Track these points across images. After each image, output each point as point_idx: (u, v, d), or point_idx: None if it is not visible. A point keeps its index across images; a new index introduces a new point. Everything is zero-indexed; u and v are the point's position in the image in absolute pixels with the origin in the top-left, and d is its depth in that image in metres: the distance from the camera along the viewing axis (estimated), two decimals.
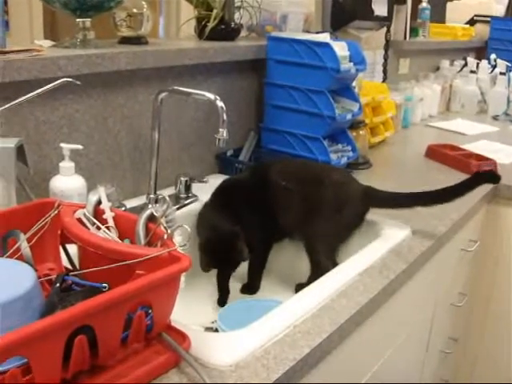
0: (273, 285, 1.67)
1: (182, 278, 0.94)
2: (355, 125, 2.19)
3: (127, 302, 0.84)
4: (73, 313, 0.76)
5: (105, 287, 0.88)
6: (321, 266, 1.49)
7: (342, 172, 1.74)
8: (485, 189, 2.02)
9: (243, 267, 1.58)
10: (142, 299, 0.87)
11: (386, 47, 2.98)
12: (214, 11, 1.92)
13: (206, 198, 1.67)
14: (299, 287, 1.65)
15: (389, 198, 1.63)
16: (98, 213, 1.08)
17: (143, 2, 1.69)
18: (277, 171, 1.61)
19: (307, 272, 1.58)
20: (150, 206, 1.58)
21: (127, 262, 0.92)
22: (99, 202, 1.08)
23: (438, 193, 1.62)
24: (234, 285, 1.62)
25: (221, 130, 1.39)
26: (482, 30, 4.16)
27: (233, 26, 2.02)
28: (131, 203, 1.62)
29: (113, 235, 1.04)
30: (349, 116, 1.99)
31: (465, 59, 3.82)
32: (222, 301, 1.58)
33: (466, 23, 4.17)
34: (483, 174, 1.78)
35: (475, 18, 4.22)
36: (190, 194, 1.72)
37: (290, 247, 1.67)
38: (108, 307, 0.80)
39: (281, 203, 1.58)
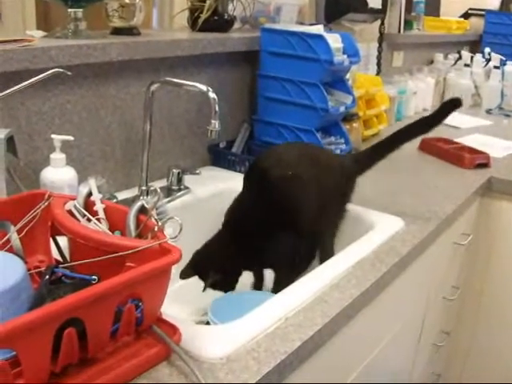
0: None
1: (173, 270, 0.93)
2: (348, 117, 2.18)
3: (117, 295, 0.83)
4: (62, 305, 0.75)
5: (94, 279, 0.88)
6: (328, 256, 1.47)
7: (328, 150, 1.70)
8: (478, 182, 2.02)
9: None
10: (132, 292, 0.86)
11: (380, 40, 2.98)
12: (208, 2, 1.91)
13: (199, 190, 1.67)
14: None
15: (374, 153, 1.63)
16: (88, 205, 1.07)
17: None
18: (273, 163, 1.47)
19: None
20: (141, 197, 1.57)
21: (117, 255, 0.91)
22: (90, 194, 1.08)
23: (417, 124, 1.66)
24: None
25: (213, 121, 1.39)
26: (477, 24, 4.16)
27: (226, 17, 2.01)
28: (123, 195, 1.61)
29: (103, 227, 1.04)
30: (342, 108, 1.99)
31: (459, 53, 3.81)
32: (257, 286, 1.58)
33: (461, 16, 4.17)
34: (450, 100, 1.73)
35: (470, 11, 4.22)
36: (182, 186, 1.71)
37: None
38: (98, 300, 0.79)
39: (291, 197, 1.45)
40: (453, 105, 1.62)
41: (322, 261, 1.52)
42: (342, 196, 1.55)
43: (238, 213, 1.49)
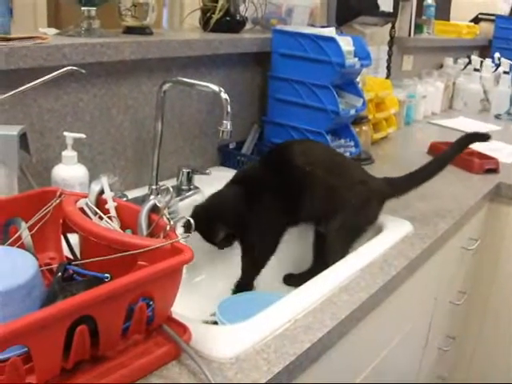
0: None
1: (184, 270, 0.93)
2: (358, 120, 2.19)
3: (129, 293, 0.83)
4: (74, 303, 0.75)
5: (107, 277, 0.88)
6: (334, 259, 1.47)
7: (360, 166, 1.71)
8: (487, 187, 2.02)
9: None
10: (144, 290, 0.87)
11: (391, 43, 2.97)
12: (220, 3, 1.91)
13: (208, 190, 1.66)
14: (289, 278, 1.65)
15: (408, 181, 1.63)
16: (100, 203, 1.07)
17: None
18: (300, 153, 1.53)
19: (293, 263, 1.64)
20: (151, 196, 1.58)
21: (129, 253, 0.91)
22: (101, 192, 1.08)
23: (442, 158, 1.71)
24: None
25: (224, 122, 1.39)
26: (487, 29, 4.15)
27: (238, 18, 2.01)
28: (133, 194, 1.61)
29: (115, 225, 1.04)
30: (352, 111, 1.99)
31: (469, 57, 3.81)
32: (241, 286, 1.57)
33: (471, 21, 4.16)
34: (474, 133, 1.84)
35: (480, 16, 4.21)
36: (191, 186, 1.71)
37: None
38: (110, 298, 0.79)
39: (305, 188, 1.50)
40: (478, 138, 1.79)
41: (321, 263, 1.53)
42: (361, 213, 1.54)
43: (250, 178, 1.55)
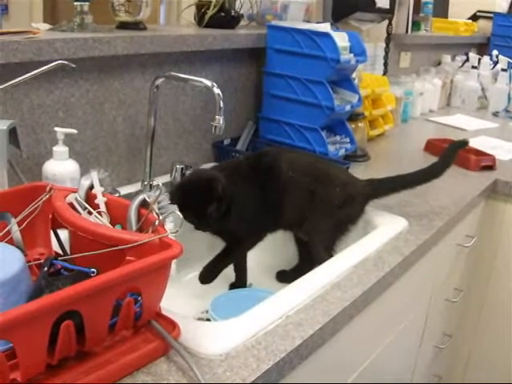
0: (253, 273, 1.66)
1: (173, 265, 0.92)
2: (354, 117, 2.18)
3: (116, 288, 0.82)
4: (60, 297, 0.74)
5: (93, 272, 0.87)
6: (320, 259, 1.47)
7: (345, 171, 1.71)
8: (483, 184, 2.01)
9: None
10: (132, 285, 0.86)
11: (388, 40, 2.96)
12: None
13: None
14: (281, 274, 1.64)
15: (390, 184, 1.62)
16: (90, 198, 1.06)
17: None
18: (286, 160, 1.54)
19: (287, 259, 1.63)
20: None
21: (117, 248, 0.90)
22: (92, 187, 1.07)
23: (430, 169, 1.68)
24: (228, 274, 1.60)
25: (217, 117, 1.38)
26: (485, 26, 4.14)
27: (233, 14, 2.00)
28: (126, 190, 1.60)
29: (104, 220, 1.03)
30: (348, 107, 1.98)
31: (466, 55, 3.80)
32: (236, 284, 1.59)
33: (469, 19, 4.15)
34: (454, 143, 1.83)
35: (478, 13, 4.20)
36: None
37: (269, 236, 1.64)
38: (96, 292, 0.78)
39: (287, 193, 1.51)
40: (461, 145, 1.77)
41: (309, 262, 1.53)
42: (342, 213, 1.54)
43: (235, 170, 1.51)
